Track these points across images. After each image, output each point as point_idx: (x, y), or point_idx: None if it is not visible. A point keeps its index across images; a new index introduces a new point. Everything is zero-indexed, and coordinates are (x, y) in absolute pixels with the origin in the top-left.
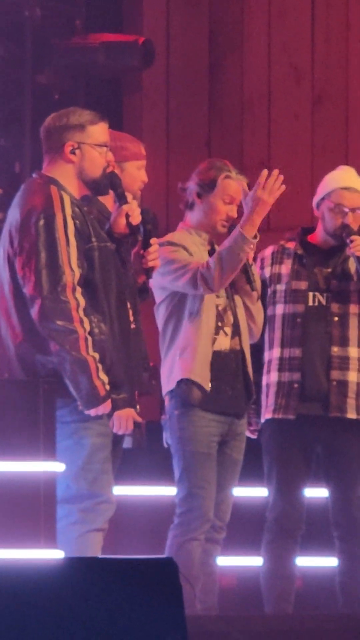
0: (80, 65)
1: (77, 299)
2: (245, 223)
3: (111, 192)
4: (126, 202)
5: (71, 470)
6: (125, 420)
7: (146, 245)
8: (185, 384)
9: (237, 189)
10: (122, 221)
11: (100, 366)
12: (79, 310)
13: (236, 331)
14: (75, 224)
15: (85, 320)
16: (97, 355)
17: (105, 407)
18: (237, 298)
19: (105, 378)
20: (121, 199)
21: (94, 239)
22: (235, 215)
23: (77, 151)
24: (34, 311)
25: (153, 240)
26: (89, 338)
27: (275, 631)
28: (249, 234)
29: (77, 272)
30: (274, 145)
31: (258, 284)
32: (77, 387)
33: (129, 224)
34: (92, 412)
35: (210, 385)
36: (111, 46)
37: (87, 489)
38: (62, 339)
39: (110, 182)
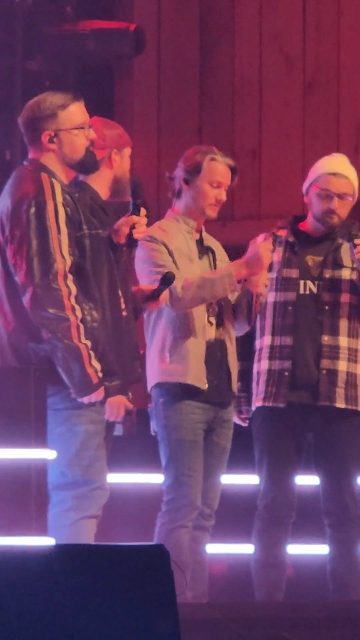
0: (71, 52)
1: (68, 287)
2: (239, 266)
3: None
4: (138, 214)
5: (65, 457)
6: (117, 407)
7: (135, 215)
8: (179, 386)
9: (224, 172)
10: (125, 231)
11: (92, 354)
12: (70, 297)
13: (220, 321)
14: (66, 211)
15: (77, 307)
16: (89, 343)
17: (97, 395)
18: None
19: (97, 365)
20: (135, 210)
21: (85, 227)
22: (224, 198)
23: (55, 139)
24: (26, 299)
25: (142, 213)
26: (81, 326)
27: (266, 619)
28: (237, 276)
29: (69, 260)
30: (265, 132)
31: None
32: (69, 374)
33: (130, 235)
34: (85, 399)
35: (206, 383)
36: (102, 33)
37: (82, 476)
38: (54, 327)
39: (132, 190)
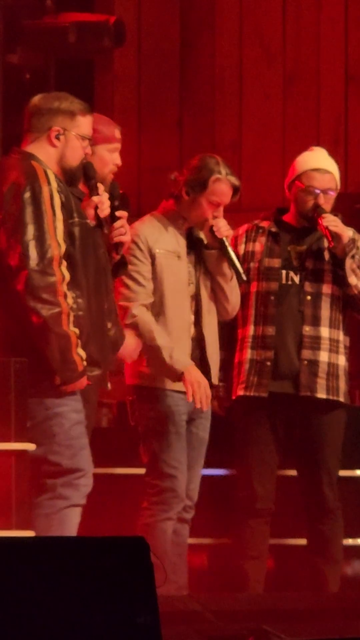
0: (51, 45)
1: (62, 273)
2: (185, 373)
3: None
4: (97, 194)
5: (50, 446)
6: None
7: (113, 220)
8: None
9: (227, 192)
10: (91, 212)
11: (79, 342)
12: (63, 284)
13: (198, 318)
14: (60, 197)
15: (69, 294)
16: (77, 331)
17: (81, 383)
18: (204, 282)
19: (83, 354)
20: (93, 190)
21: (75, 215)
22: (220, 215)
23: (61, 137)
24: (19, 282)
25: (120, 213)
26: (71, 313)
27: (246, 611)
28: (175, 377)
29: (63, 246)
30: (245, 125)
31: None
32: (55, 361)
33: (96, 215)
34: (69, 387)
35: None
36: (82, 26)
37: (67, 464)
38: (46, 312)
39: (84, 173)
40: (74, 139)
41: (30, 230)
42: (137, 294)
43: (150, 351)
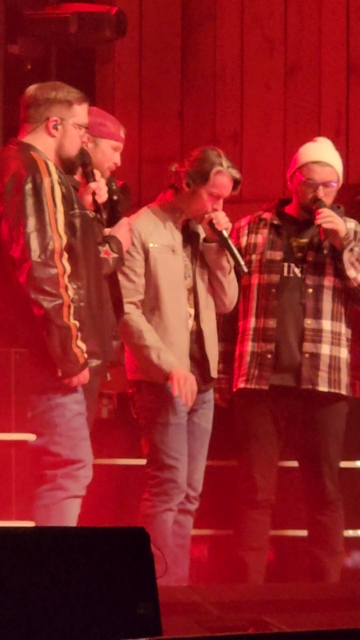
0: (52, 36)
1: (64, 265)
2: (172, 372)
3: (79, 169)
4: (94, 180)
5: (51, 437)
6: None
7: (115, 215)
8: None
9: (227, 184)
10: (89, 199)
11: (79, 334)
12: (64, 276)
13: (196, 311)
14: (61, 189)
15: (69, 286)
16: (77, 323)
17: (84, 375)
18: (201, 275)
19: (83, 346)
20: (89, 176)
21: (76, 206)
22: (219, 209)
23: (59, 127)
24: (22, 274)
25: (123, 217)
26: (72, 305)
27: (246, 602)
28: (161, 377)
29: (64, 238)
30: (246, 116)
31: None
32: (56, 353)
33: (94, 201)
34: (74, 380)
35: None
36: (83, 16)
37: (68, 455)
38: (48, 304)
39: (81, 160)
40: (71, 128)
41: (32, 223)
42: (127, 290)
43: (139, 349)
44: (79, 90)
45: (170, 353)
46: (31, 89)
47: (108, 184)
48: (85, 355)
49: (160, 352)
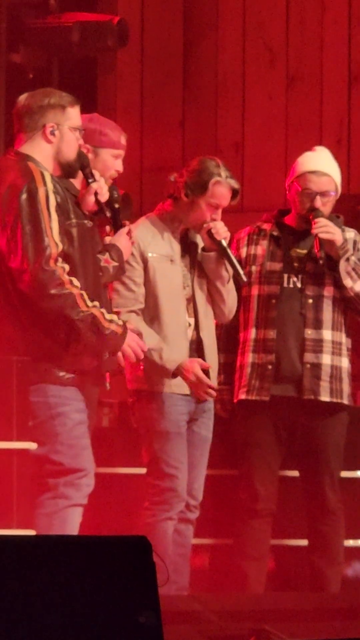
0: (54, 45)
1: (62, 266)
2: (174, 372)
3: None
4: (94, 180)
5: (53, 446)
6: (135, 345)
7: (117, 223)
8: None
9: (226, 195)
10: (91, 199)
11: (103, 311)
12: (64, 274)
13: (196, 321)
14: (56, 198)
15: (74, 279)
16: (96, 303)
17: (131, 338)
18: (199, 285)
19: (113, 317)
20: (89, 177)
21: (72, 216)
22: (218, 218)
23: (56, 132)
24: (23, 283)
25: (125, 223)
26: (83, 292)
27: (247, 611)
28: (167, 374)
29: (60, 246)
30: (248, 126)
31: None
32: (95, 344)
33: (97, 201)
34: (127, 353)
35: (189, 387)
36: (85, 26)
37: (70, 464)
38: (62, 304)
39: (79, 162)
40: (68, 132)
41: (28, 232)
42: (127, 299)
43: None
44: (69, 94)
45: (172, 350)
46: (22, 98)
47: (110, 192)
48: (120, 322)
49: (162, 352)
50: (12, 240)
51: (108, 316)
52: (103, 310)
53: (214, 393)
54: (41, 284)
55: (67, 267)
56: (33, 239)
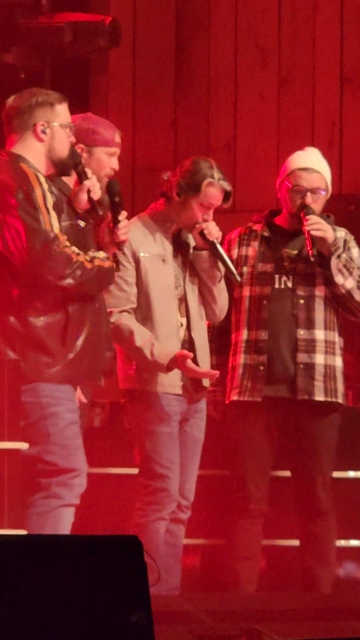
0: (46, 45)
1: (67, 246)
2: (168, 365)
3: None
4: (87, 178)
5: (46, 446)
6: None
7: (116, 217)
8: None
9: (218, 196)
10: (84, 197)
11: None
12: (72, 252)
13: (188, 320)
14: (52, 198)
15: (74, 248)
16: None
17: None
18: (191, 284)
19: (100, 254)
20: (82, 175)
21: (65, 217)
22: (210, 219)
23: (47, 130)
24: (35, 276)
25: (122, 215)
26: (91, 256)
27: (238, 611)
28: (161, 368)
29: (65, 236)
30: (240, 126)
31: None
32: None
33: (90, 199)
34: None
35: (181, 387)
36: (78, 26)
37: (63, 464)
38: (78, 277)
39: (72, 159)
40: (59, 130)
41: (30, 226)
42: (119, 299)
43: (133, 353)
44: (55, 91)
45: (162, 345)
46: (10, 100)
47: (111, 186)
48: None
49: (153, 348)
50: (18, 239)
51: (103, 258)
52: (95, 254)
53: (215, 372)
54: (56, 269)
55: (69, 244)
56: (37, 236)
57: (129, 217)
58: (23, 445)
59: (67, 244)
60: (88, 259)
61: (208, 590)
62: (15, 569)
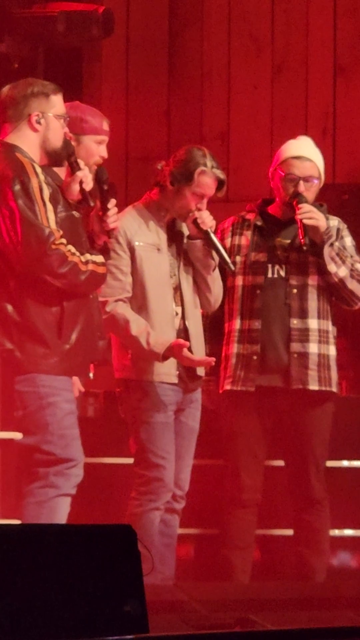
0: (39, 34)
1: (62, 243)
2: (164, 354)
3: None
4: (79, 169)
5: (44, 436)
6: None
7: (105, 205)
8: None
9: (211, 185)
10: (76, 187)
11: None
12: (66, 249)
13: (183, 309)
14: (48, 189)
15: (70, 247)
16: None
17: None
18: (185, 273)
19: (95, 257)
20: (74, 166)
21: (61, 208)
22: (203, 208)
23: (42, 121)
24: (30, 270)
25: (111, 204)
26: (83, 258)
27: (232, 600)
28: (157, 357)
29: (61, 232)
30: (233, 116)
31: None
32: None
33: (82, 190)
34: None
35: (176, 376)
36: (71, 15)
37: (60, 454)
38: (72, 278)
39: (66, 151)
40: (53, 120)
41: (27, 220)
42: (114, 288)
43: (129, 342)
44: (51, 82)
45: (158, 334)
46: (5, 90)
47: (99, 174)
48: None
49: (149, 337)
50: (13, 231)
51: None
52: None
53: (212, 359)
54: (51, 266)
55: (64, 241)
56: (33, 228)
57: (123, 207)
58: (16, 435)
59: (63, 240)
60: (83, 260)
61: (202, 580)
62: (10, 558)
